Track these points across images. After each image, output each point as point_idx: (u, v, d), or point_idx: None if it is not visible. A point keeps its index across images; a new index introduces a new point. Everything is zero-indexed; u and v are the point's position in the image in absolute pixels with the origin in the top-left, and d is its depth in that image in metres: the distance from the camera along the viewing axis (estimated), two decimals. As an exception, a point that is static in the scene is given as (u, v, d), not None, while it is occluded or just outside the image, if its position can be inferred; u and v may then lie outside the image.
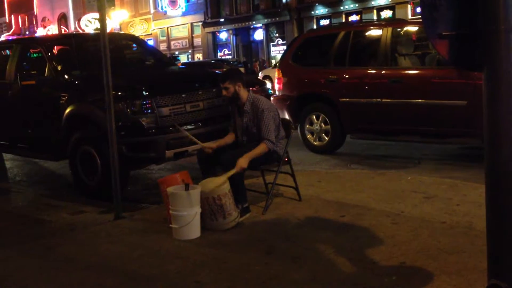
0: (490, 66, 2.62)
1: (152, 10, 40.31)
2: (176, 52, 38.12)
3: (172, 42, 40.03)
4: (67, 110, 6.50)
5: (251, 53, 34.78)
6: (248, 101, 5.35)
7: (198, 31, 38.41)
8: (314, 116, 8.60)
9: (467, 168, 6.81)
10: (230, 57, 34.21)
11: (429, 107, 7.34)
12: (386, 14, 28.12)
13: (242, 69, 18.92)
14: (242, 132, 5.44)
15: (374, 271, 3.78)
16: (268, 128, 5.20)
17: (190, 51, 38.32)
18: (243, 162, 4.99)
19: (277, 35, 34.00)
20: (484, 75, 2.65)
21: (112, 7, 39.28)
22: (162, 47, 38.85)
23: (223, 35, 37.27)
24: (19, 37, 35.59)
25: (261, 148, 5.16)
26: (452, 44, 2.79)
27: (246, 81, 5.51)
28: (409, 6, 27.21)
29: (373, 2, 28.48)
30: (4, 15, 50.40)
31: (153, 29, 40.61)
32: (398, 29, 8.16)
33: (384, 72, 7.80)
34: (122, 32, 35.24)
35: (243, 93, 5.35)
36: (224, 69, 17.94)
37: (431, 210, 5.01)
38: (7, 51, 8.27)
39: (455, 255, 3.94)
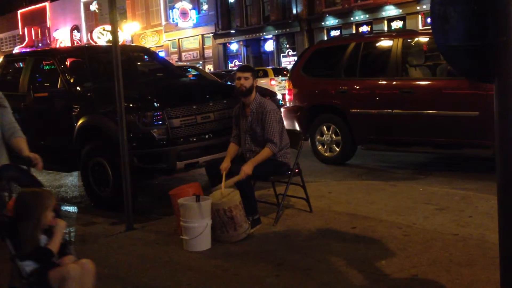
0: (501, 77, 2.61)
1: (163, 22, 40.61)
2: (187, 63, 38.34)
3: (183, 54, 40.27)
4: (79, 122, 6.54)
5: (262, 64, 34.88)
6: (255, 100, 5.38)
7: (209, 42, 38.63)
8: (324, 127, 8.59)
9: (479, 179, 6.76)
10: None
11: (441, 118, 7.30)
12: (397, 24, 28.14)
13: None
14: (246, 132, 5.44)
15: (385, 284, 3.76)
16: (272, 129, 5.20)
17: (201, 62, 38.52)
18: (247, 168, 5.00)
19: (287, 46, 34.10)
20: (495, 86, 2.65)
21: (124, 20, 39.61)
22: (174, 58, 39.10)
23: (234, 46, 37.45)
24: (32, 49, 35.98)
25: (265, 153, 5.17)
26: (463, 55, 2.78)
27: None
28: (419, 16, 27.23)
29: (383, 13, 28.53)
30: (17, 28, 50.99)
31: (165, 41, 40.89)
32: (408, 40, 8.15)
33: (394, 83, 7.78)
34: (133, 44, 35.53)
35: (254, 92, 5.40)
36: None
37: (443, 222, 4.98)
38: (20, 64, 8.36)
39: (467, 268, 3.91)
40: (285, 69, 25.32)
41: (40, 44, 46.99)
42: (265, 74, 22.81)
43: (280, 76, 22.87)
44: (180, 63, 25.70)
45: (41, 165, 3.89)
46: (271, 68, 24.84)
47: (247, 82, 5.34)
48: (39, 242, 3.16)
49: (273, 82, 21.88)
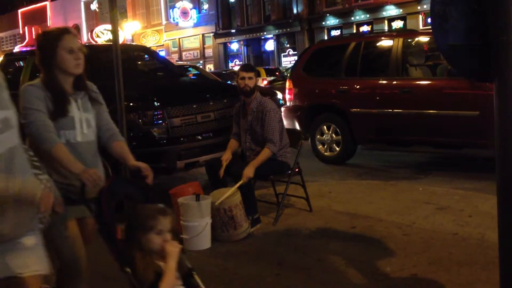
0: (501, 76, 2.61)
1: (164, 22, 40.62)
2: (187, 63, 38.35)
3: (183, 53, 40.29)
4: (79, 121, 6.53)
5: (262, 63, 34.90)
6: (256, 99, 5.39)
7: (209, 42, 38.65)
8: (325, 127, 8.59)
9: (479, 178, 6.76)
10: (241, 67, 34.25)
11: (441, 118, 7.30)
12: (397, 24, 28.13)
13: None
14: (246, 131, 5.44)
15: (385, 283, 3.76)
16: (272, 129, 5.22)
17: (201, 61, 38.54)
18: (248, 171, 5.00)
19: (288, 45, 34.11)
20: (495, 85, 2.65)
21: (125, 19, 39.62)
22: (174, 58, 39.09)
23: (234, 46, 37.46)
24: (32, 48, 35.92)
25: (265, 154, 5.17)
26: (463, 55, 2.78)
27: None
28: (420, 16, 27.23)
29: (384, 13, 28.53)
30: (17, 27, 50.99)
31: (165, 40, 40.90)
32: (409, 40, 8.15)
33: (395, 82, 7.78)
34: (134, 43, 35.52)
35: (255, 91, 5.41)
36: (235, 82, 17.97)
37: (443, 222, 4.98)
38: (21, 62, 8.36)
39: (467, 267, 3.91)
40: (277, 69, 25.26)
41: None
42: (257, 74, 22.76)
43: (272, 77, 22.82)
44: (180, 63, 25.72)
45: (152, 178, 3.04)
46: (264, 68, 24.76)
47: (251, 82, 5.35)
48: (157, 269, 2.50)
49: (265, 82, 21.84)
